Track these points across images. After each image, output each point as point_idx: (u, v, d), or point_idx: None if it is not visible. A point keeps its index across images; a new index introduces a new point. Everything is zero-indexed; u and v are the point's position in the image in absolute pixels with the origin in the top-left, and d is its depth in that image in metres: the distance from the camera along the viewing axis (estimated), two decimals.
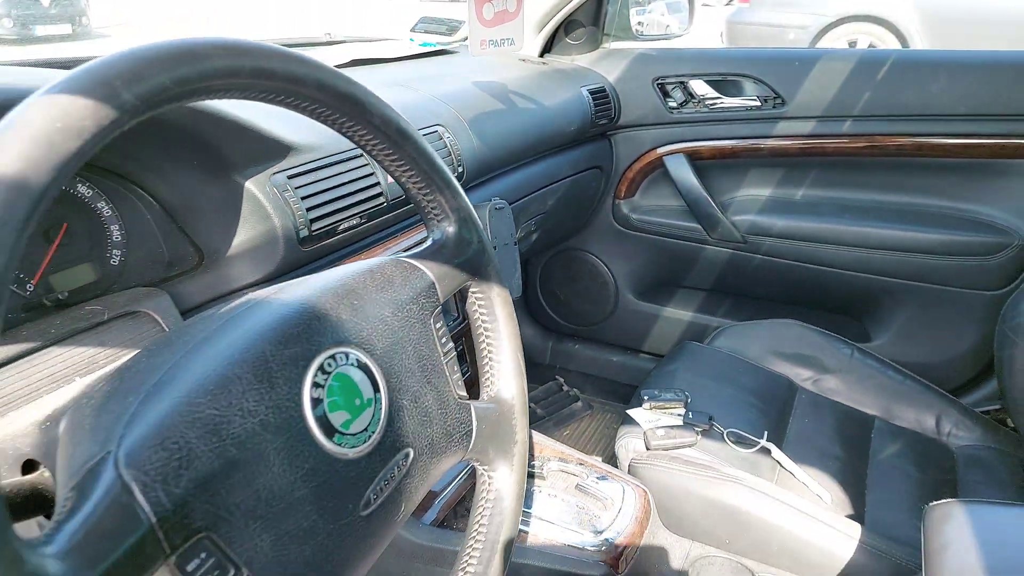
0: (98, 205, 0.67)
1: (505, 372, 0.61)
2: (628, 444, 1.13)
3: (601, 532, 0.88)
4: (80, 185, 0.66)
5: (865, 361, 1.36)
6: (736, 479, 1.00)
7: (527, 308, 1.92)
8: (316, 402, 0.43)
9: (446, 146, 0.99)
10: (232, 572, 0.37)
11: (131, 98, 0.34)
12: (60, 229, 0.64)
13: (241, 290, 0.72)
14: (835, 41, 5.48)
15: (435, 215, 0.57)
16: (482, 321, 0.61)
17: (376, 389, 0.47)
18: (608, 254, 1.74)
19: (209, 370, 0.39)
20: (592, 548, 0.87)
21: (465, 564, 0.57)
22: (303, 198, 0.74)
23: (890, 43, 5.29)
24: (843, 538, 0.95)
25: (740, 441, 1.12)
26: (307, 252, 0.75)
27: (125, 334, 0.60)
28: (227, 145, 0.67)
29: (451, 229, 0.57)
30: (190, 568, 0.35)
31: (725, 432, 1.13)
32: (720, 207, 1.57)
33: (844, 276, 1.52)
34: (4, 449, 0.43)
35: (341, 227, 0.79)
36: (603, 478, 0.97)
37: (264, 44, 0.43)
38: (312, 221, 0.75)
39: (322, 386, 0.43)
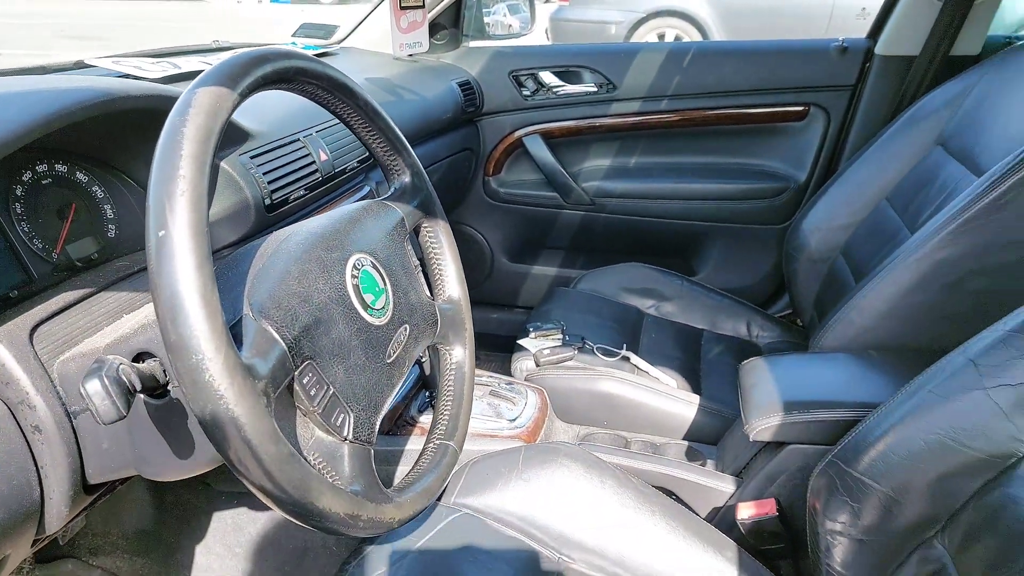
0: (93, 189, 0.81)
1: (452, 281, 0.83)
2: (521, 365, 1.37)
3: (513, 420, 1.12)
4: (79, 173, 0.80)
5: (693, 289, 1.69)
6: (608, 374, 1.28)
7: None
8: (355, 287, 0.63)
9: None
10: (326, 387, 0.57)
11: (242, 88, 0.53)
12: (70, 209, 0.78)
13: (224, 249, 0.88)
14: (646, 34, 6.06)
15: (396, 170, 0.77)
16: (432, 247, 0.82)
17: (384, 282, 0.67)
18: (482, 224, 1.98)
19: (290, 265, 0.59)
20: (508, 432, 1.11)
21: (438, 416, 0.78)
22: (264, 173, 0.91)
23: (693, 35, 5.95)
24: (687, 405, 1.25)
25: (606, 352, 1.40)
26: (271, 217, 0.93)
27: (144, 282, 0.76)
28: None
29: (407, 180, 0.78)
30: (305, 381, 0.55)
31: (595, 347, 1.41)
32: (572, 177, 1.85)
33: (672, 224, 1.85)
34: (118, 349, 0.60)
35: (292, 197, 0.97)
36: (510, 385, 1.21)
37: (288, 48, 0.62)
38: (272, 192, 0.92)
39: (356, 276, 0.64)
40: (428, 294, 0.77)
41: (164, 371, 0.59)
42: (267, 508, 1.07)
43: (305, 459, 0.56)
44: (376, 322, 0.65)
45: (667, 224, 1.85)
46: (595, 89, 1.80)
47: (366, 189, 1.22)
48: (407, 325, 0.71)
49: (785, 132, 1.77)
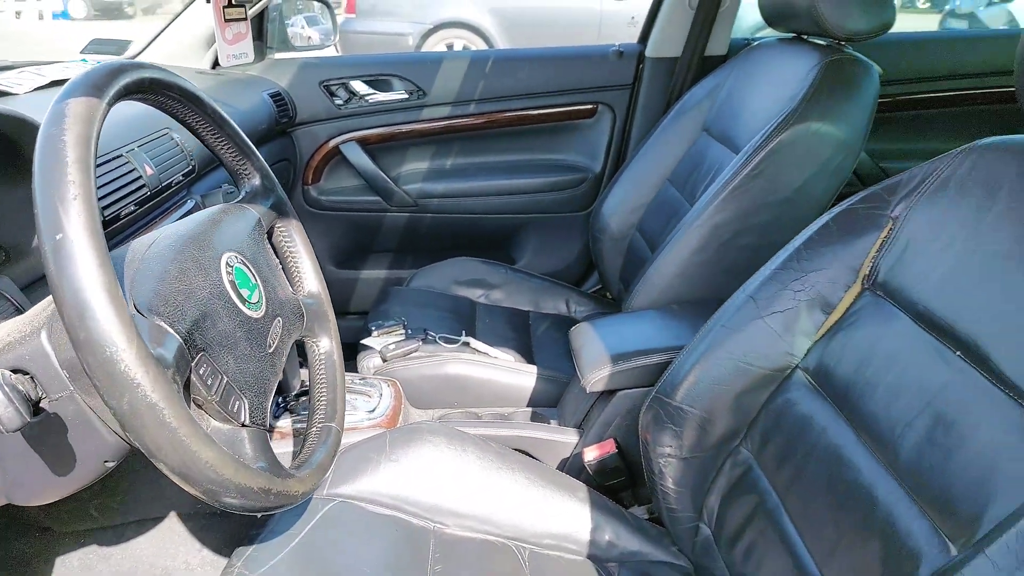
0: None
1: (310, 277, 0.86)
2: (368, 363, 1.41)
3: (372, 411, 1.16)
4: None
5: (516, 276, 1.82)
6: (452, 358, 1.36)
7: None
8: (231, 283, 0.65)
9: (177, 144, 1.15)
10: (220, 377, 0.59)
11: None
12: None
13: None
14: (436, 45, 6.26)
15: (246, 174, 0.79)
16: (288, 246, 0.85)
17: (255, 278, 0.70)
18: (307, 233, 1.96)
19: (167, 265, 0.60)
20: (368, 423, 1.15)
21: (316, 404, 0.81)
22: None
23: (479, 44, 6.23)
24: (526, 376, 1.36)
25: (448, 340, 1.47)
26: (105, 234, 0.89)
27: None
28: (30, 148, 0.79)
29: (257, 182, 0.80)
30: (201, 372, 0.56)
31: (437, 337, 1.48)
32: (393, 180, 1.91)
33: (490, 219, 1.97)
34: None
35: (123, 213, 0.94)
36: (363, 380, 1.25)
37: (140, 61, 0.63)
38: (104, 208, 0.89)
39: (231, 273, 0.65)
40: (291, 290, 0.80)
41: (36, 388, 0.57)
42: (120, 542, 1.02)
43: None
44: (254, 315, 0.67)
45: (486, 219, 1.97)
46: (406, 96, 1.87)
47: (191, 203, 1.19)
48: (279, 318, 0.73)
49: (579, 128, 1.96)
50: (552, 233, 2.02)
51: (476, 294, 1.77)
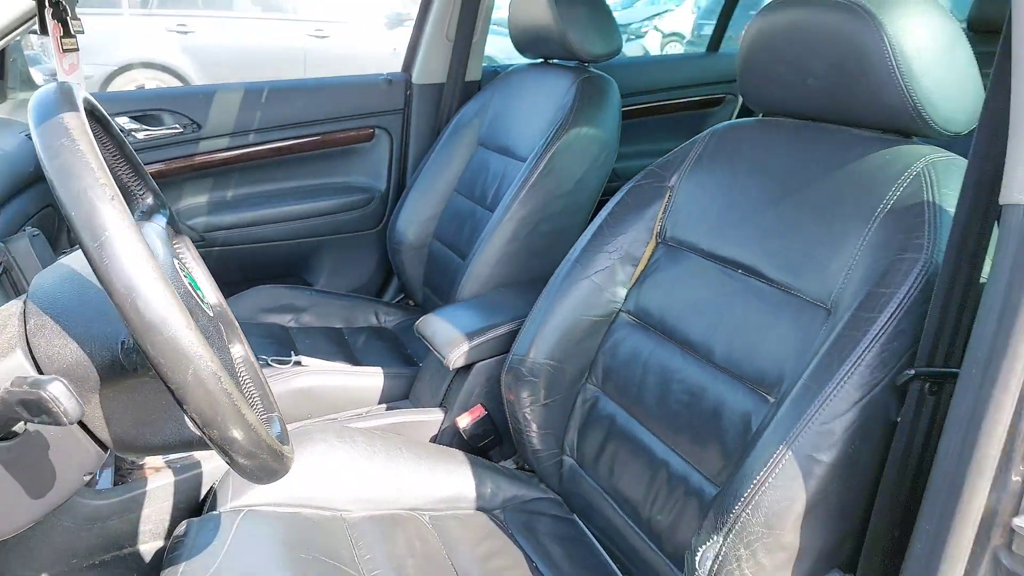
0: None
1: (209, 289, 0.87)
2: None
3: None
4: None
5: (321, 296, 1.86)
6: (297, 372, 1.39)
7: None
8: (190, 285, 0.67)
9: None
10: None
11: None
12: None
13: None
14: (124, 86, 5.80)
15: (140, 194, 0.79)
16: (184, 261, 0.85)
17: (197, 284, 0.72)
18: None
19: None
20: None
21: (252, 402, 0.83)
22: None
23: (174, 84, 5.91)
24: (371, 376, 1.44)
25: (280, 363, 1.48)
26: None
27: None
28: None
29: (151, 201, 0.81)
30: None
31: (269, 359, 1.48)
32: (175, 216, 1.82)
33: (285, 245, 1.98)
34: None
35: None
36: None
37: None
38: None
39: (187, 277, 0.68)
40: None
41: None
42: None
43: None
44: (210, 312, 0.70)
45: (279, 245, 1.97)
46: (180, 129, 1.81)
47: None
48: (218, 320, 0.75)
49: (361, 151, 2.06)
50: (346, 252, 2.08)
51: (286, 319, 1.78)
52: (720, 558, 0.74)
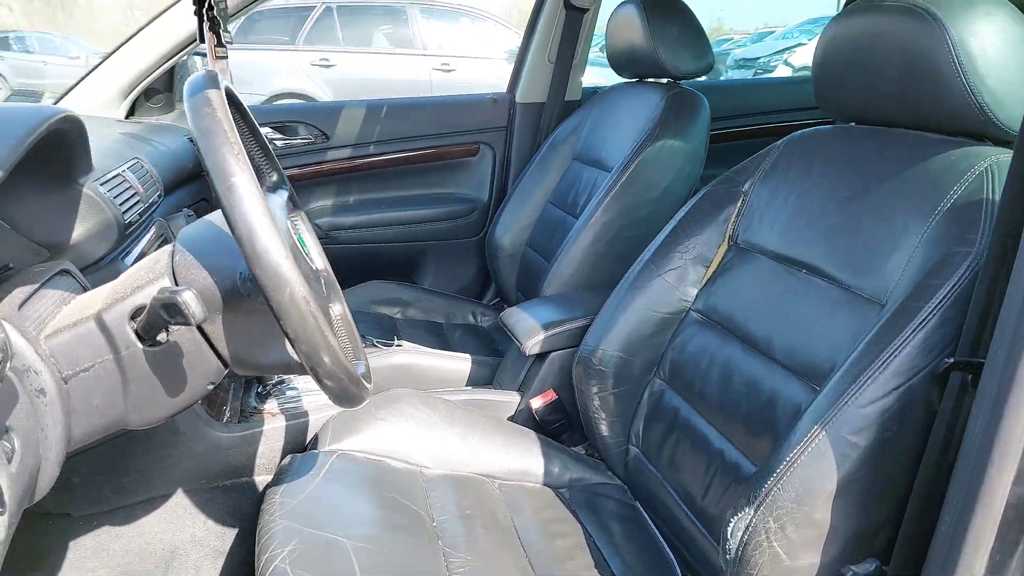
0: None
1: (317, 257, 1.01)
2: None
3: None
4: None
5: (426, 294, 2.00)
6: (397, 351, 1.51)
7: None
8: (298, 240, 0.80)
9: (148, 171, 1.24)
10: None
11: None
12: None
13: (91, 265, 0.92)
14: None
15: (267, 172, 0.94)
16: (299, 232, 0.99)
17: (307, 242, 0.84)
18: None
19: None
20: None
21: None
22: (114, 198, 0.97)
23: None
24: (462, 361, 1.54)
25: (384, 344, 1.62)
26: (126, 234, 0.98)
27: (66, 282, 0.80)
28: (77, 158, 0.88)
29: (275, 178, 0.95)
30: None
31: (375, 341, 1.61)
32: (307, 215, 2.02)
33: (396, 247, 2.14)
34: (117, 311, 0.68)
35: (135, 220, 1.03)
36: None
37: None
38: (124, 212, 0.98)
39: (296, 234, 0.80)
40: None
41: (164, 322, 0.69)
42: (130, 521, 1.07)
43: None
44: (313, 266, 0.82)
45: (391, 247, 2.14)
46: (312, 140, 2.01)
47: (153, 227, 1.28)
48: (320, 277, 0.88)
49: (466, 165, 2.21)
50: (450, 257, 2.22)
51: (394, 311, 1.92)
52: (750, 530, 0.77)
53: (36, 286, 0.74)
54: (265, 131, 1.96)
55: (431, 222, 2.16)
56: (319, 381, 0.68)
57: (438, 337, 1.79)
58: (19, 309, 0.67)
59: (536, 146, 2.17)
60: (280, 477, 1.00)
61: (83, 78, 1.72)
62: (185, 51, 1.75)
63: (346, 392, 0.70)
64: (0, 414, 0.57)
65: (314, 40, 6.70)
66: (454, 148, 2.16)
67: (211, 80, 0.69)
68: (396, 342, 1.62)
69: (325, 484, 0.98)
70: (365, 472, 1.05)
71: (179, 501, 1.10)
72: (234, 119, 0.85)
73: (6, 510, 0.53)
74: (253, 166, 0.95)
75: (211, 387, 0.75)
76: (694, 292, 1.20)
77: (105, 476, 1.02)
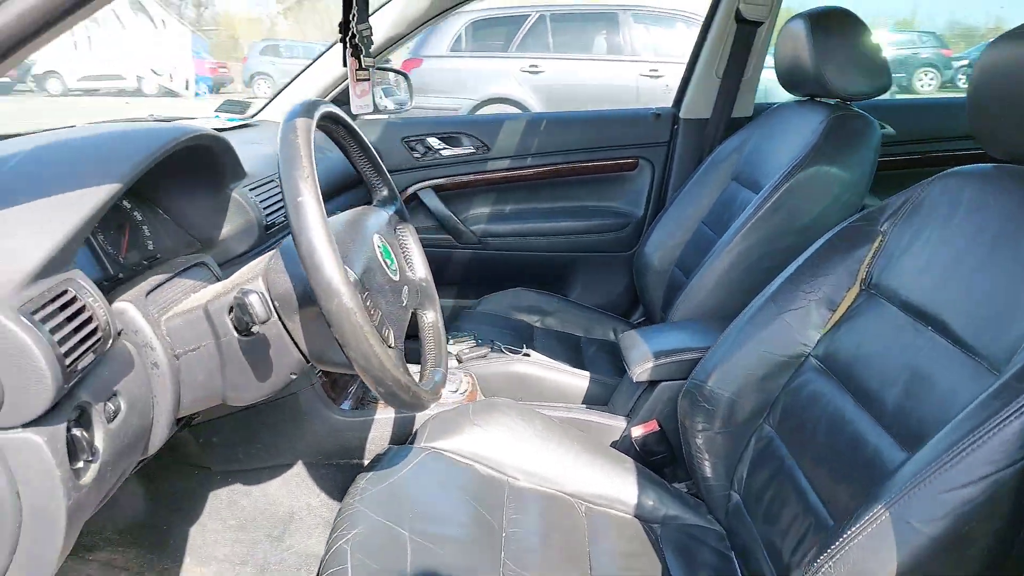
0: (134, 214, 1.00)
1: (420, 267, 1.09)
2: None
3: (455, 391, 1.37)
4: (123, 201, 0.99)
5: (568, 305, 2.03)
6: (519, 360, 1.57)
7: None
8: (380, 252, 0.88)
9: None
10: (378, 310, 0.81)
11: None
12: (126, 228, 0.97)
13: (234, 259, 1.09)
14: None
15: (377, 187, 1.04)
16: (404, 241, 1.09)
17: (393, 254, 0.93)
18: None
19: (342, 236, 0.83)
20: (453, 399, 1.36)
21: (427, 356, 1.03)
22: (260, 202, 1.14)
23: None
24: (581, 378, 1.56)
25: (512, 351, 1.68)
26: (267, 234, 1.14)
27: (200, 273, 0.96)
28: (229, 168, 1.05)
29: (385, 193, 1.05)
30: (368, 304, 0.79)
31: (503, 347, 1.69)
32: (461, 222, 2.16)
33: (546, 256, 2.21)
34: (219, 303, 0.81)
35: (278, 221, 1.19)
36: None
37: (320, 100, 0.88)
38: (267, 216, 1.14)
39: (379, 247, 0.89)
40: (409, 273, 1.04)
41: (252, 315, 0.80)
42: (257, 482, 1.24)
43: None
44: (394, 278, 0.90)
45: (542, 256, 2.20)
46: (473, 150, 2.14)
47: None
48: (407, 287, 0.96)
49: (624, 179, 2.20)
50: (600, 270, 2.23)
51: (533, 319, 1.98)
52: None
53: (171, 275, 0.90)
54: (431, 141, 2.13)
55: (583, 234, 2.19)
56: (369, 384, 0.75)
57: (571, 350, 1.82)
58: (146, 296, 0.82)
59: (698, 163, 2.10)
60: (373, 464, 1.10)
61: (277, 94, 1.99)
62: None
63: (395, 397, 0.77)
64: (111, 379, 0.71)
65: (527, 47, 6.97)
66: (612, 162, 2.17)
67: (305, 109, 0.79)
68: (524, 350, 1.67)
69: (410, 478, 1.06)
70: (450, 473, 1.12)
71: (298, 472, 1.25)
72: (345, 140, 0.96)
73: (97, 460, 0.66)
74: (364, 181, 1.05)
75: (293, 376, 0.86)
76: (816, 336, 1.11)
77: (239, 441, 1.19)
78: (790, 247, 1.46)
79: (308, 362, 0.85)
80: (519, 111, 6.65)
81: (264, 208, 1.14)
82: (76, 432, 0.63)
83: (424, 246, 2.18)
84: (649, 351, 1.34)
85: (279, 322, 0.81)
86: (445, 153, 2.14)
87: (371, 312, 0.80)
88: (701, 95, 2.07)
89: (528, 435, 1.22)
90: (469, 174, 2.15)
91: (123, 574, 1.24)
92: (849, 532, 0.69)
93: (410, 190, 2.14)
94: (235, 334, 0.81)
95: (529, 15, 7.07)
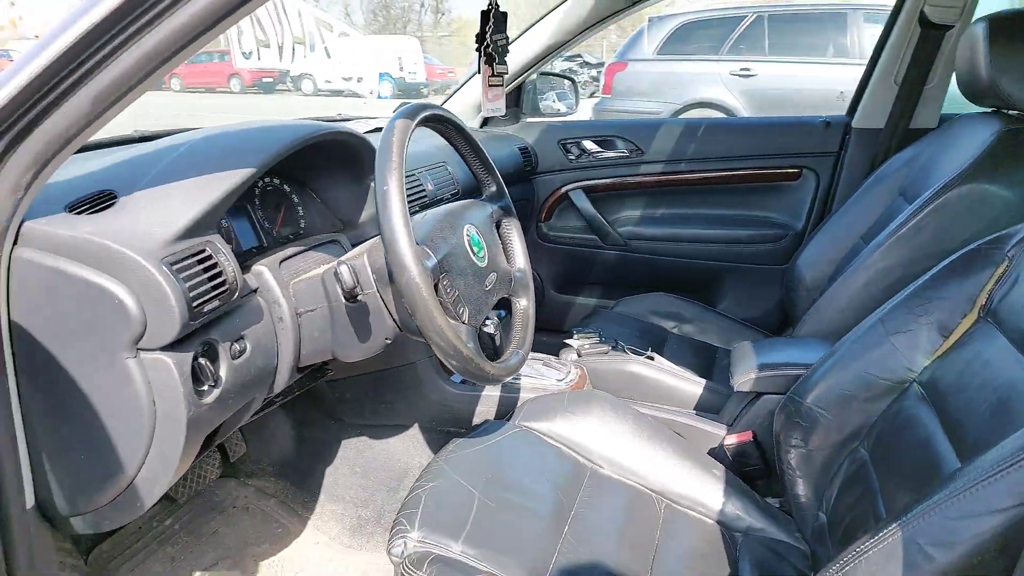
0: (292, 197, 1.22)
1: (520, 258, 1.21)
2: (566, 356, 1.72)
3: (560, 380, 1.48)
4: (284, 185, 1.21)
5: (709, 314, 2.02)
6: (636, 360, 1.62)
7: None
8: (468, 241, 1.02)
9: (450, 174, 1.60)
10: (455, 290, 0.95)
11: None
12: (282, 206, 1.20)
13: (367, 239, 1.29)
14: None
15: (486, 183, 1.18)
16: (507, 235, 1.21)
17: (483, 243, 1.06)
18: (535, 261, 2.36)
19: (435, 223, 0.98)
20: (555, 387, 1.46)
21: (513, 337, 1.15)
22: None
23: None
24: (694, 384, 1.57)
25: (635, 352, 1.73)
26: None
27: (332, 249, 1.16)
28: (368, 162, 1.24)
29: (493, 189, 1.19)
30: (444, 283, 0.93)
31: (626, 347, 1.74)
32: (609, 223, 2.24)
33: (693, 263, 2.21)
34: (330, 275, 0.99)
35: (410, 212, 1.38)
36: (559, 360, 1.57)
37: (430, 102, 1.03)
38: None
39: (468, 236, 1.02)
40: (507, 263, 1.16)
41: (357, 285, 0.97)
42: (381, 438, 1.43)
43: None
44: (479, 264, 1.03)
45: (689, 263, 2.21)
46: (627, 154, 2.20)
47: None
48: (495, 273, 1.09)
49: (783, 189, 2.14)
50: (751, 282, 2.19)
51: (669, 324, 2.01)
52: None
53: (307, 248, 1.10)
54: (587, 144, 2.23)
55: (735, 244, 2.16)
56: (436, 351, 0.88)
57: (703, 359, 1.83)
58: (281, 263, 1.02)
59: (868, 175, 1.99)
60: (470, 432, 1.23)
61: (454, 92, 2.21)
62: (528, 72, 2.11)
63: (458, 365, 0.89)
64: (240, 325, 0.91)
65: (740, 50, 6.75)
66: (773, 171, 2.12)
67: (409, 112, 0.94)
68: (648, 352, 1.72)
69: (494, 447, 1.19)
70: (535, 449, 1.22)
71: (414, 433, 1.43)
72: (455, 139, 1.11)
73: (220, 386, 0.86)
74: (474, 177, 1.19)
75: (388, 342, 1.01)
76: (923, 363, 1.06)
77: (367, 399, 1.40)
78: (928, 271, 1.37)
79: (400, 330, 1.01)
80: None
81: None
82: (202, 361, 0.84)
83: (570, 245, 2.33)
84: (754, 363, 1.34)
85: (377, 293, 0.97)
86: (599, 156, 2.23)
87: (446, 290, 0.94)
88: (876, 103, 1.95)
89: (619, 429, 1.29)
90: (621, 177, 2.22)
91: (272, 500, 1.51)
92: (864, 545, 0.70)
93: (563, 190, 2.26)
94: (342, 300, 0.98)
95: (745, 16, 6.84)
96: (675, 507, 1.22)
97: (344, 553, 1.42)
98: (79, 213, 0.81)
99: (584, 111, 7.43)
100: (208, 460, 1.45)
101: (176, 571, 1.33)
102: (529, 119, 2.32)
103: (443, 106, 2.18)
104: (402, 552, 0.96)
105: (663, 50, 6.92)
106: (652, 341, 1.86)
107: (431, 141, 1.64)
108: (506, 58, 1.48)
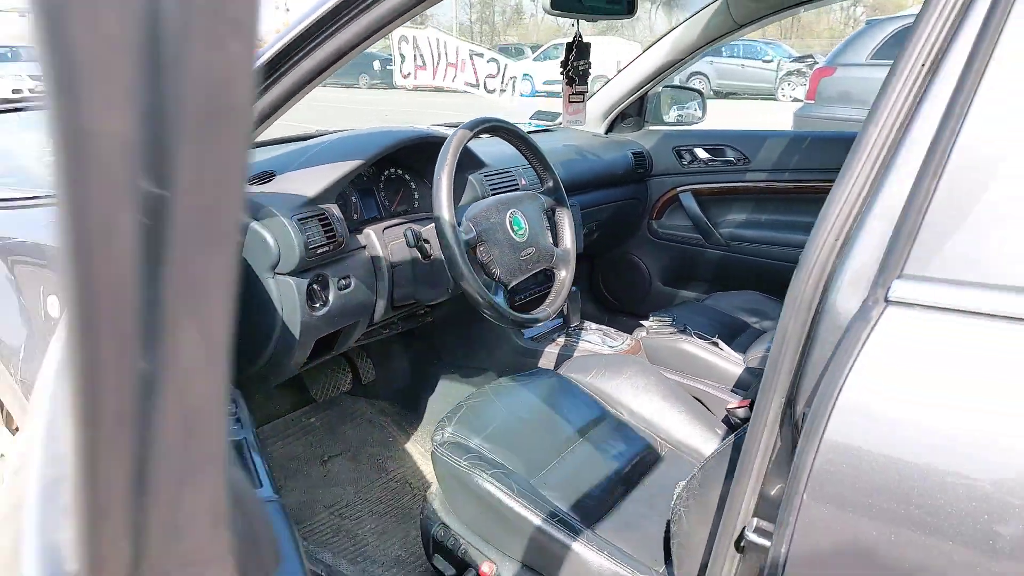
0: (410, 183, 1.68)
1: (567, 238, 1.57)
2: (638, 334, 2.03)
3: (612, 348, 1.80)
4: (404, 173, 1.68)
5: None
6: (692, 341, 1.89)
7: (591, 292, 2.85)
8: (510, 222, 1.41)
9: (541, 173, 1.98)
10: (490, 255, 1.35)
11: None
12: (400, 190, 1.66)
13: None
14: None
15: (543, 177, 1.55)
16: (557, 220, 1.58)
17: (525, 223, 1.44)
18: (645, 255, 2.66)
19: (484, 204, 1.39)
20: (606, 352, 1.79)
21: (548, 298, 1.52)
22: (490, 187, 1.74)
23: None
24: (734, 364, 1.81)
25: (701, 337, 1.99)
26: None
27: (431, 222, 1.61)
28: (465, 159, 1.67)
29: (550, 184, 1.56)
30: (481, 250, 1.33)
31: (693, 332, 2.00)
32: (713, 225, 2.48)
33: (788, 267, 2.36)
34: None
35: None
36: (617, 332, 1.89)
37: (494, 116, 1.43)
38: (491, 192, 1.74)
39: (511, 219, 1.41)
40: (552, 241, 1.53)
41: (422, 243, 1.39)
42: (470, 377, 1.87)
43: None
44: (516, 239, 1.41)
45: (784, 266, 2.38)
46: (734, 162, 2.42)
47: None
48: (533, 248, 1.46)
49: None
50: None
51: (751, 320, 2.21)
52: None
53: (410, 220, 1.55)
54: (699, 151, 2.48)
55: None
56: (467, 296, 1.28)
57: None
58: (384, 230, 1.48)
59: None
60: (519, 376, 1.62)
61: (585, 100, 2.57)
62: (649, 84, 2.42)
63: (480, 307, 1.29)
64: (347, 268, 1.38)
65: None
66: None
67: (468, 124, 1.35)
68: (713, 339, 1.97)
69: (529, 383, 1.56)
70: (567, 390, 1.57)
71: (492, 377, 1.84)
72: (516, 142, 1.50)
73: (327, 306, 1.33)
74: (537, 173, 1.57)
75: (451, 291, 1.43)
76: None
77: (460, 341, 1.84)
78: None
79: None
80: None
81: (490, 188, 1.74)
82: (315, 287, 1.31)
83: (677, 242, 2.60)
84: (768, 344, 1.56)
85: (439, 252, 1.39)
86: (709, 162, 2.47)
87: (482, 254, 1.33)
88: None
89: (642, 386, 1.59)
90: (727, 183, 2.44)
91: (387, 418, 2.01)
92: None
93: (675, 191, 2.53)
94: (420, 257, 1.42)
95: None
96: (677, 452, 1.51)
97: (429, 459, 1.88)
98: (251, 184, 1.32)
99: (784, 118, 7.29)
100: (342, 376, 1.99)
101: (311, 452, 1.87)
102: (651, 127, 2.62)
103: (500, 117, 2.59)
104: (439, 440, 1.37)
105: (878, 55, 6.59)
106: (727, 332, 2.09)
107: (505, 148, 2.03)
108: (587, 80, 1.82)
